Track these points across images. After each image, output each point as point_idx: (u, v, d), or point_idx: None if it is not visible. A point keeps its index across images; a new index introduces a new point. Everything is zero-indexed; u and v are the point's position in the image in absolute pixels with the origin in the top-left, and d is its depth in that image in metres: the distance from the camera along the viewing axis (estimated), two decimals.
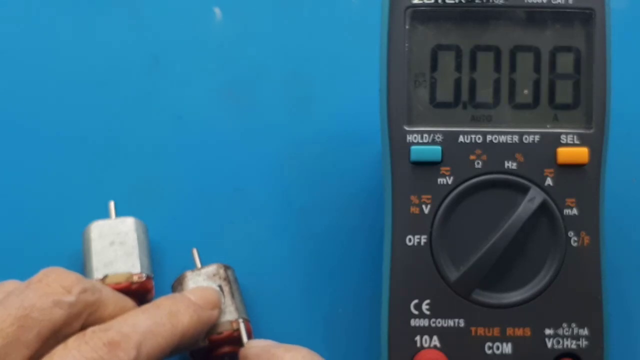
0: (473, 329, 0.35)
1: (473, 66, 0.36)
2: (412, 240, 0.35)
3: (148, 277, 0.39)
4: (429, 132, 0.35)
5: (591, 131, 0.35)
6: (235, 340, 0.38)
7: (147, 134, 0.44)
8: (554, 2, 0.35)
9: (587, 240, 0.35)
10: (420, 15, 0.35)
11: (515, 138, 0.35)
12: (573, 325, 0.35)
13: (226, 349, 0.38)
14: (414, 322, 0.35)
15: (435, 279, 0.35)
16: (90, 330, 0.32)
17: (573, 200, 0.35)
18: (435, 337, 0.35)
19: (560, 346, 0.35)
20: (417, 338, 0.35)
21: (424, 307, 0.35)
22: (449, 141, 0.35)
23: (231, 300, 0.39)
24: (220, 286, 0.39)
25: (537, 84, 0.36)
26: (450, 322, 0.35)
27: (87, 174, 0.43)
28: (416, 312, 0.35)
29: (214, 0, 0.46)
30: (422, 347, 0.35)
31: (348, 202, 0.42)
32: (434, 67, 0.36)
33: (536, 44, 0.35)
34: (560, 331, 0.35)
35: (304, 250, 0.42)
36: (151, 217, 0.41)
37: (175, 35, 0.45)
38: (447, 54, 0.36)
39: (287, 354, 0.34)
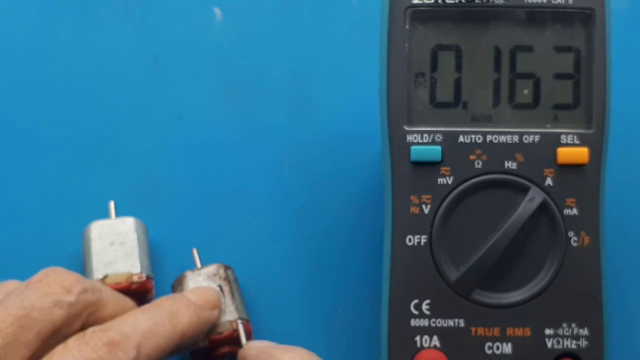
0: (473, 329, 0.35)
1: (473, 66, 0.36)
2: (412, 240, 0.35)
3: (148, 277, 0.39)
4: (429, 132, 0.35)
5: (591, 131, 0.35)
6: (235, 341, 0.38)
7: (147, 134, 0.44)
8: (554, 2, 0.35)
9: (587, 240, 0.35)
10: (420, 15, 0.35)
11: (515, 138, 0.35)
12: (573, 325, 0.35)
13: (226, 349, 0.38)
14: (414, 322, 0.35)
15: (435, 279, 0.35)
16: (90, 330, 0.32)
17: (573, 200, 0.35)
18: (435, 337, 0.35)
19: (560, 346, 0.35)
20: (417, 338, 0.35)
21: (424, 307, 0.35)
22: (449, 141, 0.35)
23: (231, 300, 0.39)
24: (220, 286, 0.39)
25: (537, 84, 0.36)
26: (450, 322, 0.35)
27: (87, 174, 0.43)
28: (416, 312, 0.35)
29: (214, 0, 0.46)
30: (422, 347, 0.35)
31: (348, 202, 0.42)
32: (434, 67, 0.36)
33: (536, 44, 0.35)
34: (560, 331, 0.35)
35: (304, 250, 0.42)
36: (151, 217, 0.41)
37: (175, 35, 0.45)
38: (447, 54, 0.36)
39: (286, 354, 0.34)
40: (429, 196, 0.35)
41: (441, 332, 0.35)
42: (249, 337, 0.38)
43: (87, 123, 0.44)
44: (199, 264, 0.40)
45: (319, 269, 0.41)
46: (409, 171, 0.35)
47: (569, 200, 0.35)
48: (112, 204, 0.41)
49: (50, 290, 0.33)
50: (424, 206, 0.35)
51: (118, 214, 0.40)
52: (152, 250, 0.41)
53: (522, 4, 0.35)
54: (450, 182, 0.35)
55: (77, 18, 0.45)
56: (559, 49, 0.35)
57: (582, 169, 0.35)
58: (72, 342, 0.32)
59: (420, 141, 0.35)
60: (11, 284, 0.34)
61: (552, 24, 0.35)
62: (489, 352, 0.35)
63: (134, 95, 0.44)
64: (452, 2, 0.35)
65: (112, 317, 0.34)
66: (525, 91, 0.36)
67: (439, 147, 0.35)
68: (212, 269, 0.39)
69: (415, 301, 0.35)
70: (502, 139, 0.35)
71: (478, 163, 0.35)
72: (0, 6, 0.46)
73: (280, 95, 0.44)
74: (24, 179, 0.43)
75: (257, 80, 0.44)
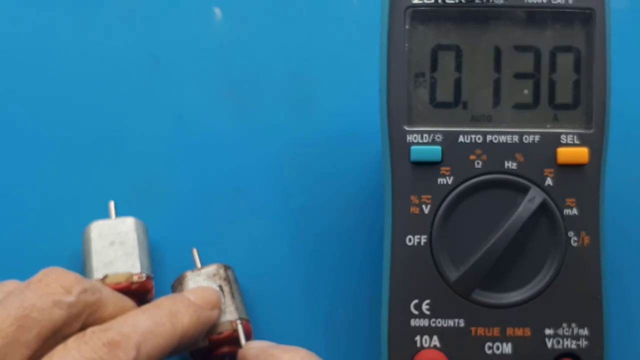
0: (473, 329, 0.35)
1: (473, 66, 0.36)
2: (412, 240, 0.35)
3: (148, 277, 0.39)
4: (429, 132, 0.35)
5: (591, 131, 0.35)
6: (235, 341, 0.38)
7: (147, 134, 0.44)
8: (554, 2, 0.35)
9: (587, 240, 0.35)
10: (420, 15, 0.35)
11: (515, 138, 0.35)
12: (573, 325, 0.35)
13: (226, 349, 0.38)
14: (414, 322, 0.35)
15: (435, 279, 0.35)
16: (90, 330, 0.32)
17: (573, 200, 0.35)
18: (435, 337, 0.35)
19: (560, 346, 0.35)
20: (417, 338, 0.35)
21: (424, 307, 0.35)
22: (449, 141, 0.35)
23: (231, 300, 0.39)
24: (220, 286, 0.39)
25: (537, 84, 0.36)
26: (450, 322, 0.35)
27: (87, 174, 0.43)
28: (416, 312, 0.35)
29: (214, 0, 0.46)
30: (422, 347, 0.35)
31: (348, 202, 0.42)
32: (434, 67, 0.36)
33: (536, 44, 0.35)
34: (560, 331, 0.35)
35: (304, 250, 0.42)
36: (151, 217, 0.41)
37: (175, 35, 0.45)
38: (447, 54, 0.36)
39: (286, 354, 0.34)
40: (429, 196, 0.35)
41: (441, 332, 0.35)
42: (248, 337, 0.38)
43: (87, 123, 0.44)
44: (199, 264, 0.40)
45: (319, 269, 0.41)
46: (409, 171, 0.35)
47: (569, 200, 0.35)
48: (112, 204, 0.41)
49: (50, 290, 0.33)
50: (424, 206, 0.35)
51: (118, 214, 0.40)
52: (152, 250, 0.41)
53: (522, 4, 0.35)
54: (450, 182, 0.35)
55: (77, 18, 0.45)
56: (559, 49, 0.35)
57: (582, 169, 0.35)
58: (72, 342, 0.32)
59: (420, 141, 0.35)
60: (11, 284, 0.34)
61: (552, 24, 0.35)
62: (489, 352, 0.35)
63: (134, 95, 0.44)
64: (452, 2, 0.35)
65: (112, 317, 0.34)
66: (525, 91, 0.36)
67: (439, 147, 0.35)
68: (212, 269, 0.39)
69: (415, 301, 0.35)
70: (502, 139, 0.35)
71: (478, 163, 0.35)
72: (0, 6, 0.46)
73: (280, 95, 0.44)
74: (24, 179, 0.43)
75: (257, 80, 0.44)
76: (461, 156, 0.35)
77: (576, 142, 0.35)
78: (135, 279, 0.38)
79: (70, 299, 0.33)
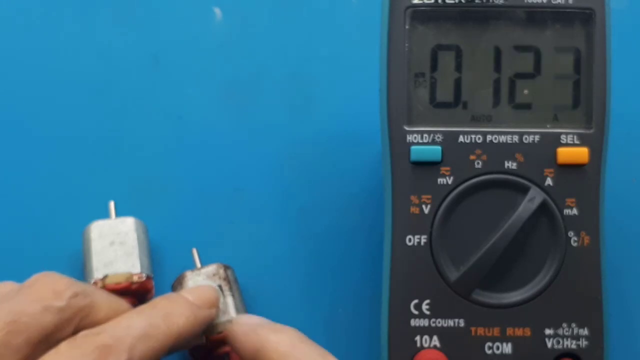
0: (473, 329, 0.35)
1: (473, 66, 0.36)
2: (412, 240, 0.35)
3: (148, 277, 0.39)
4: (429, 132, 0.35)
5: (591, 131, 0.35)
6: None
7: (147, 134, 0.43)
8: (554, 2, 0.35)
9: (587, 240, 0.35)
10: (420, 15, 0.35)
11: (515, 138, 0.35)
12: (573, 325, 0.35)
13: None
14: (414, 322, 0.35)
15: (435, 279, 0.35)
16: (81, 334, 0.32)
17: (573, 200, 0.35)
18: (435, 337, 0.35)
19: (560, 346, 0.35)
20: (417, 338, 0.35)
21: (424, 307, 0.35)
22: (449, 141, 0.35)
23: (231, 300, 0.39)
24: (220, 286, 0.39)
25: (537, 84, 0.36)
26: (450, 322, 0.35)
27: (87, 174, 0.43)
28: (416, 312, 0.35)
29: (214, 0, 0.46)
30: (422, 347, 0.35)
31: (348, 202, 0.42)
32: (434, 67, 0.36)
33: (536, 44, 0.35)
34: (560, 331, 0.35)
35: (304, 250, 0.42)
36: (151, 217, 0.41)
37: (175, 35, 0.45)
38: (447, 54, 0.36)
39: (273, 335, 0.34)
40: (429, 196, 0.35)
41: (441, 332, 0.35)
42: None
43: (87, 123, 0.44)
44: (198, 264, 0.40)
45: (319, 269, 0.41)
46: (409, 171, 0.35)
47: (569, 200, 0.35)
48: (112, 204, 0.41)
49: (40, 295, 0.32)
50: (424, 206, 0.35)
51: (118, 214, 0.40)
52: (152, 250, 0.41)
53: (522, 4, 0.35)
54: (450, 182, 0.35)
55: (77, 18, 0.45)
56: (559, 49, 0.35)
57: (582, 169, 0.35)
58: (63, 346, 0.31)
59: (420, 141, 0.35)
60: (7, 286, 0.34)
61: (552, 24, 0.35)
62: (489, 352, 0.35)
63: (134, 95, 0.44)
64: (452, 2, 0.35)
65: (106, 320, 0.33)
66: (525, 91, 0.36)
67: (439, 147, 0.35)
68: (212, 268, 0.39)
69: (415, 301, 0.35)
70: (502, 139, 0.35)
71: (478, 163, 0.35)
72: (1, 6, 0.46)
73: (280, 95, 0.44)
74: (24, 179, 0.43)
75: (257, 80, 0.44)
76: (461, 156, 0.35)
77: (576, 142, 0.35)
78: (135, 279, 0.38)
79: (61, 303, 0.32)
